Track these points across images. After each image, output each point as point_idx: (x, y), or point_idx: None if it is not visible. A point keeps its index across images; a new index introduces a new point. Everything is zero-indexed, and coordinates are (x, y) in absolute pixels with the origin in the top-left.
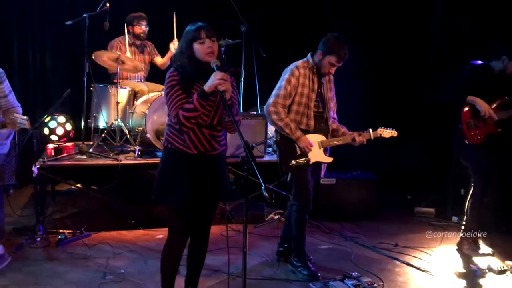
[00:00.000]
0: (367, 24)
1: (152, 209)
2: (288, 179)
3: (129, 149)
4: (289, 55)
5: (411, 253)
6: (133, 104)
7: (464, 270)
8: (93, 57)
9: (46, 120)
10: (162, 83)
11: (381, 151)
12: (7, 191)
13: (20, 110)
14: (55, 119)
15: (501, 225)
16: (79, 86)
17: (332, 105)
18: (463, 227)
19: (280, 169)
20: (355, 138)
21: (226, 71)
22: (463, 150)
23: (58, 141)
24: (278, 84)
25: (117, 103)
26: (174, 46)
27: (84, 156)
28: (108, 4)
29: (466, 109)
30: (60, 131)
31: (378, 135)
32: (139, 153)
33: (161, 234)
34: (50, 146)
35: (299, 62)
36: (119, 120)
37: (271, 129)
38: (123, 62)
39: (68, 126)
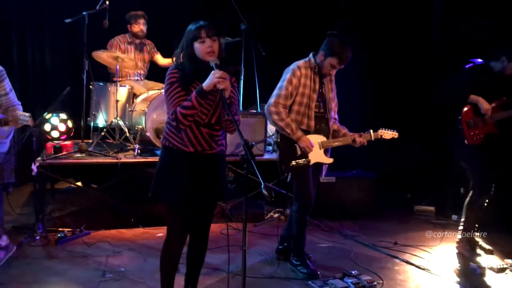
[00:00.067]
0: (367, 24)
1: (151, 207)
2: (288, 180)
3: (128, 148)
4: (289, 54)
5: (410, 251)
6: (133, 102)
7: (464, 268)
8: (93, 56)
9: (47, 117)
10: (162, 82)
11: (381, 150)
12: (7, 190)
13: (20, 108)
14: (57, 116)
15: (501, 224)
16: (79, 84)
17: (333, 105)
18: (460, 227)
19: (280, 169)
20: (356, 139)
21: (226, 69)
22: (462, 151)
23: (59, 138)
24: (279, 84)
25: (117, 101)
26: None
27: (84, 155)
28: (107, 2)
29: (466, 109)
30: (62, 127)
31: (379, 136)
32: (139, 151)
33: (161, 232)
34: (50, 143)
35: (300, 62)
36: (118, 118)
37: (270, 128)
38: (122, 61)
39: (70, 123)
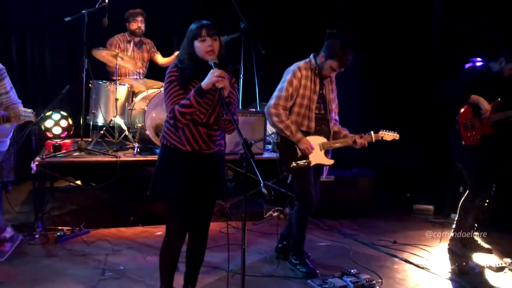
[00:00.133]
0: (367, 24)
1: (151, 206)
2: (288, 181)
3: (128, 146)
4: (289, 54)
5: (409, 250)
6: (132, 101)
7: (463, 267)
8: (93, 54)
9: (48, 114)
10: (162, 80)
11: (380, 150)
12: (6, 188)
13: (21, 106)
14: (59, 112)
15: (500, 224)
16: (78, 83)
17: (334, 106)
18: (454, 227)
19: (280, 169)
20: (357, 140)
21: (225, 68)
22: (459, 152)
23: (59, 135)
24: (279, 85)
25: (116, 99)
26: None
27: (83, 153)
28: (107, 1)
29: (464, 109)
30: (63, 123)
31: (380, 138)
32: (138, 150)
33: (160, 231)
34: (50, 142)
35: (301, 63)
36: (118, 117)
37: (270, 127)
38: (122, 59)
39: (70, 121)
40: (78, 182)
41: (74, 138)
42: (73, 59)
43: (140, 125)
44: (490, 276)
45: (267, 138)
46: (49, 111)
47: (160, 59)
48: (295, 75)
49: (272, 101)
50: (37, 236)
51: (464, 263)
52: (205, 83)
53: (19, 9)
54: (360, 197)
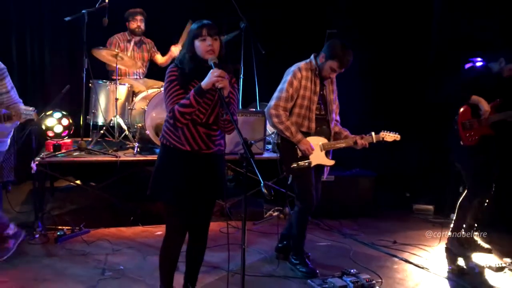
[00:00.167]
0: (367, 24)
1: (151, 205)
2: (288, 182)
3: (128, 146)
4: (289, 54)
5: (409, 250)
6: (132, 100)
7: (463, 267)
8: (93, 53)
9: (49, 113)
10: (162, 80)
11: (380, 150)
12: (6, 188)
13: (22, 105)
14: (59, 111)
15: (500, 224)
16: (78, 83)
17: (335, 107)
18: (451, 226)
19: (280, 169)
20: (357, 141)
21: (225, 68)
22: (457, 152)
23: (60, 135)
24: (279, 86)
25: (116, 99)
26: (175, 50)
27: (83, 153)
28: (107, 1)
29: (463, 109)
30: (65, 122)
31: (381, 139)
32: (138, 149)
33: (160, 230)
34: (50, 141)
35: (301, 64)
36: (118, 116)
37: (270, 127)
38: (122, 59)
39: (71, 120)
40: (78, 181)
41: (74, 137)
42: (73, 59)
43: (140, 124)
44: (490, 276)
45: (267, 138)
46: (50, 110)
47: (159, 59)
48: (295, 76)
49: (272, 102)
50: (37, 235)
51: (458, 261)
52: (204, 83)
53: (19, 9)
54: (360, 197)
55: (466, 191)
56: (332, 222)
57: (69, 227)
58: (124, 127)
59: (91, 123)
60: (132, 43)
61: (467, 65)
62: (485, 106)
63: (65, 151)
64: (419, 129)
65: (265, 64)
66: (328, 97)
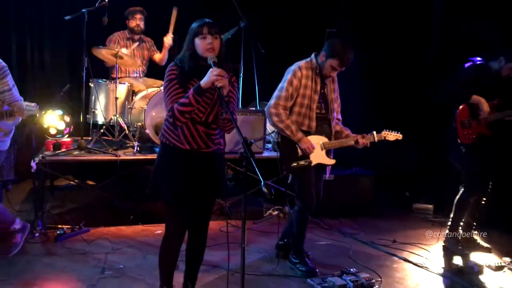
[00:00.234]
0: (367, 24)
1: (150, 204)
2: (288, 181)
3: (128, 145)
4: (289, 53)
5: (409, 249)
6: (132, 99)
7: (462, 266)
8: (93, 52)
9: (49, 111)
10: (161, 79)
11: (380, 149)
12: (6, 187)
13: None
14: (60, 110)
15: (499, 223)
16: (78, 82)
17: (336, 106)
18: (448, 224)
19: (280, 168)
20: (359, 140)
21: (225, 67)
22: (454, 149)
23: (62, 132)
24: (280, 85)
25: (116, 98)
26: (168, 40)
27: (83, 152)
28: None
29: (461, 108)
30: (66, 119)
31: (383, 138)
32: (138, 148)
33: (160, 229)
34: (50, 139)
35: (302, 63)
36: (118, 115)
37: (270, 125)
38: (121, 58)
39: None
40: (78, 180)
41: (74, 136)
42: (73, 58)
43: (140, 123)
44: (489, 275)
45: (266, 137)
46: (50, 109)
47: (157, 57)
48: (295, 75)
49: (272, 101)
50: (37, 234)
51: (455, 260)
52: (204, 82)
53: (19, 8)
54: (360, 196)
55: (462, 189)
56: (332, 221)
57: (69, 226)
58: (124, 126)
59: (91, 122)
60: (131, 41)
61: (467, 64)
62: (484, 107)
63: (65, 150)
64: (419, 129)
65: (265, 63)
66: (329, 96)
